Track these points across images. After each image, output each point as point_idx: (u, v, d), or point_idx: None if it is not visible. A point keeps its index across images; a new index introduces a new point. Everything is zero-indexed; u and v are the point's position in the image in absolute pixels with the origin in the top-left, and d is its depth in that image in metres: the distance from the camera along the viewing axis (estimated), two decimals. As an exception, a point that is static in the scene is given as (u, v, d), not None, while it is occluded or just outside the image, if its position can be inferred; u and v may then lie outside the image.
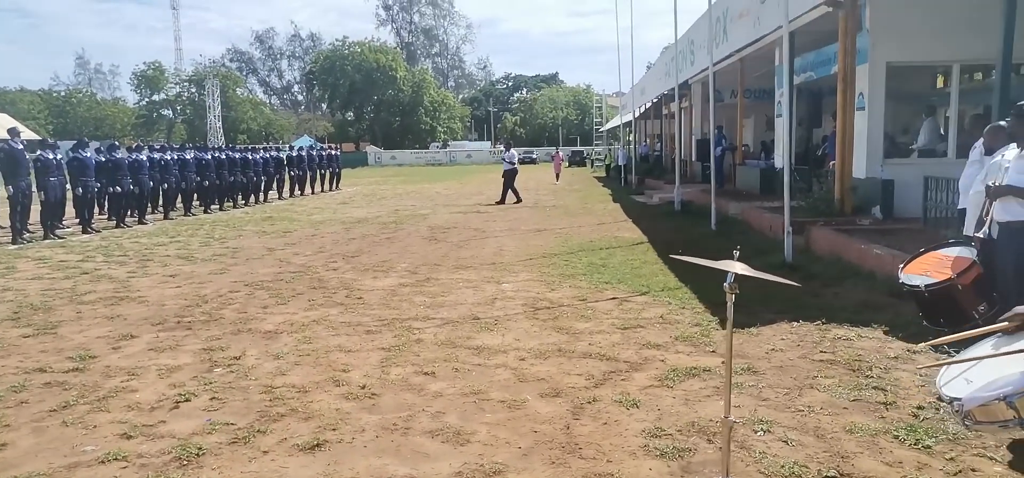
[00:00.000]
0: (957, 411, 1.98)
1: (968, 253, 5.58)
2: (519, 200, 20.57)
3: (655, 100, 30.53)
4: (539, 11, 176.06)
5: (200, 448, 3.93)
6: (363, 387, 4.86)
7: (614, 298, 7.61)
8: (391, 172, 51.52)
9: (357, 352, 5.74)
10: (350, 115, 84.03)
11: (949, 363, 2.14)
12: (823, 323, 6.22)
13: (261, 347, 5.96)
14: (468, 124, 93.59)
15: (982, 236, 5.27)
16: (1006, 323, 2.10)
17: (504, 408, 4.44)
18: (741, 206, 14.40)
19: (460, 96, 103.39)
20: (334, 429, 4.16)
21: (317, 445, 3.94)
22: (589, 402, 4.50)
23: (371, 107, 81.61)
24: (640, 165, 32.30)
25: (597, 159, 51.53)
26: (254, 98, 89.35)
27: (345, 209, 20.10)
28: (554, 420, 4.22)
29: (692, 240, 11.76)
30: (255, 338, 6.26)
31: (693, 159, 24.63)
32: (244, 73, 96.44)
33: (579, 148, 65.89)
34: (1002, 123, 5.51)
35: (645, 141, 41.28)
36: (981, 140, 5.99)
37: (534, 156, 66.62)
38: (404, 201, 22.76)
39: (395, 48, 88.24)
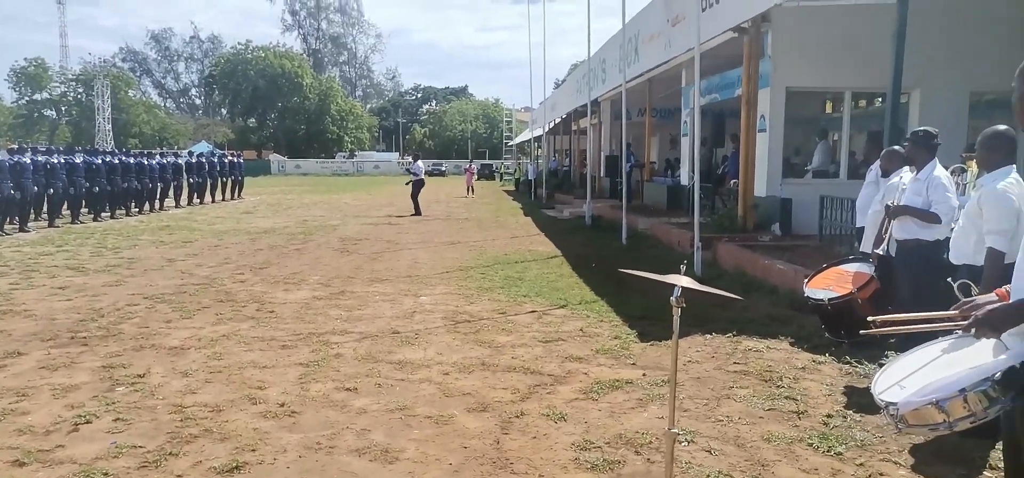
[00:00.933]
0: (892, 415, 2.08)
1: (867, 269, 5.94)
2: (417, 212, 20.28)
3: (565, 116, 31.08)
4: (449, 24, 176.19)
5: (106, 473, 3.65)
6: (282, 405, 4.66)
7: (533, 311, 7.65)
8: (296, 181, 50.12)
9: (273, 368, 5.52)
10: (252, 122, 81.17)
11: (885, 371, 2.25)
12: (734, 335, 6.46)
13: (167, 364, 5.62)
14: (376, 134, 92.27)
15: (881, 253, 5.62)
16: (959, 320, 2.22)
17: (432, 424, 4.36)
18: (650, 221, 14.83)
19: (368, 106, 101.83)
20: (253, 450, 3.96)
21: (236, 467, 3.74)
22: (517, 416, 4.49)
23: (275, 114, 79.20)
24: (550, 180, 32.76)
25: (506, 173, 51.96)
26: (148, 101, 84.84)
27: (249, 219, 19.36)
28: (483, 435, 4.18)
29: (605, 254, 11.99)
30: (160, 354, 5.90)
31: (602, 175, 25.20)
32: (137, 74, 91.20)
33: (488, 162, 66.23)
34: (897, 147, 5.90)
35: (554, 156, 41.94)
36: (877, 162, 6.40)
37: (443, 169, 66.45)
38: (312, 211, 22.16)
39: (301, 55, 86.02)
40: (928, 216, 4.87)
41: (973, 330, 1.98)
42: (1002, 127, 3.93)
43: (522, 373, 5.41)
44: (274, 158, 70.67)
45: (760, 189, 11.95)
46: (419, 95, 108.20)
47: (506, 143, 52.99)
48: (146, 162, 21.36)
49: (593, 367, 5.57)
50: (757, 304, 7.80)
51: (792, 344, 6.21)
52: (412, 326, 6.94)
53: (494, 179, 55.53)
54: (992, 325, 1.94)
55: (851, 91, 12.13)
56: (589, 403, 4.75)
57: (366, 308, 7.76)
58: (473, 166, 36.43)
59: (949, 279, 4.32)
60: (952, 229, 4.51)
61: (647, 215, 15.90)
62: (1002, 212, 3.77)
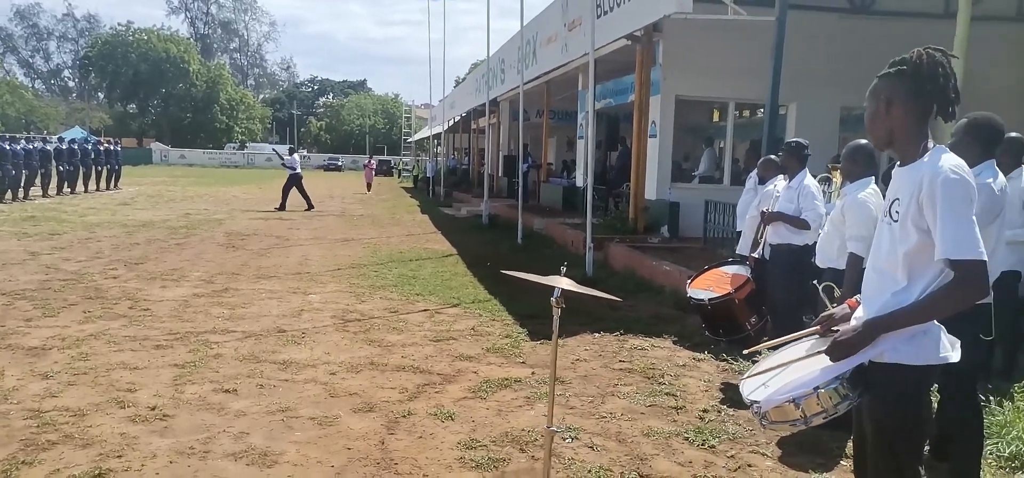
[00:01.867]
0: (755, 413, 2.19)
1: (744, 271, 6.25)
2: (282, 207, 19.43)
3: (464, 114, 31.08)
4: (347, 16, 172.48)
5: (-56, 487, 3.33)
6: (153, 408, 4.40)
7: (425, 310, 7.59)
8: (180, 172, 47.55)
9: (145, 369, 5.20)
10: (133, 108, 76.46)
11: (752, 373, 2.37)
12: (621, 334, 6.65)
13: (25, 365, 5.19)
14: (269, 126, 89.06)
15: (756, 256, 5.93)
16: (816, 328, 2.37)
17: (315, 425, 4.24)
18: (545, 221, 15.05)
19: (261, 96, 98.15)
20: (119, 456, 3.71)
21: (98, 475, 3.50)
22: (404, 416, 4.43)
23: (158, 101, 74.91)
24: (448, 178, 32.66)
25: (405, 170, 51.41)
26: (13, 81, 78.21)
27: (127, 211, 18.22)
28: (368, 436, 4.10)
29: (500, 253, 12.07)
30: (16, 355, 5.44)
31: (500, 174, 25.37)
32: (1, 52, 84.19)
33: (387, 158, 65.28)
34: (773, 156, 6.25)
35: (453, 154, 41.88)
36: (755, 170, 6.75)
37: (340, 164, 64.97)
38: (196, 204, 21.10)
39: (188, 39, 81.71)
40: (798, 222, 5.18)
41: (831, 357, 2.12)
42: (863, 141, 4.23)
43: (411, 372, 5.35)
44: (156, 147, 66.78)
45: (650, 193, 12.37)
46: (315, 87, 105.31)
47: (405, 140, 52.35)
48: (8, 147, 19.66)
49: (483, 366, 5.58)
50: (644, 304, 8.06)
51: (675, 342, 6.45)
52: (299, 325, 6.73)
53: (393, 176, 54.80)
54: (841, 355, 2.10)
55: (735, 102, 12.77)
56: (477, 402, 4.76)
57: (251, 306, 7.46)
58: (372, 162, 35.76)
59: (814, 281, 4.63)
60: (819, 234, 4.81)
61: (543, 215, 16.12)
62: (862, 219, 4.05)
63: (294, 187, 19.83)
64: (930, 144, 2.10)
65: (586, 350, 6.14)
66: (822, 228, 4.78)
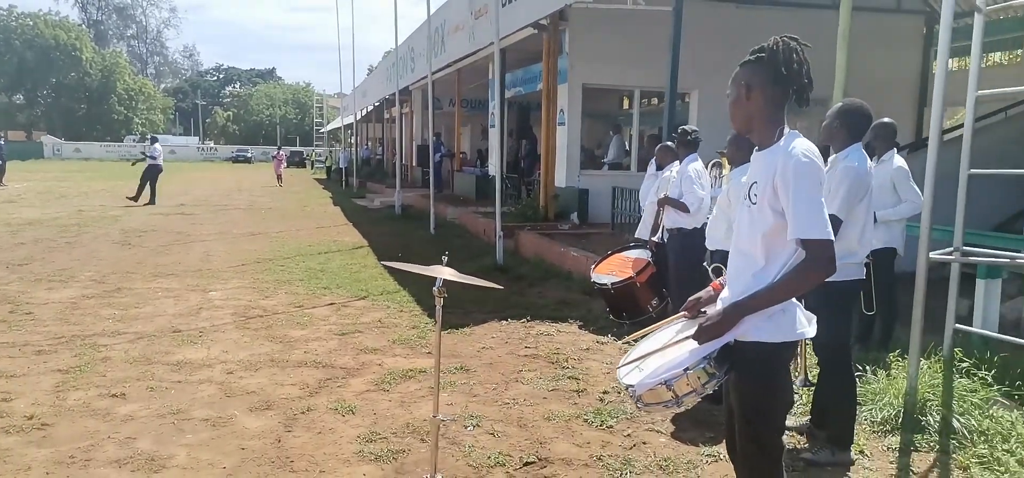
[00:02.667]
0: (631, 396, 2.26)
1: (645, 255, 6.43)
2: (152, 201, 18.68)
3: (377, 103, 30.63)
4: (252, 3, 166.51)
5: None
6: (30, 417, 4.15)
7: (332, 303, 7.46)
8: (75, 167, 44.84)
9: (23, 377, 4.90)
10: (19, 98, 71.42)
11: (627, 360, 2.44)
12: (528, 320, 6.73)
13: None
14: (172, 117, 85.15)
15: (657, 240, 6.11)
16: (684, 313, 2.46)
17: (207, 427, 4.10)
18: (458, 211, 15.04)
19: (162, 86, 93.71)
20: (-12, 471, 3.49)
21: (-37, 493, 3.28)
22: (303, 412, 4.35)
23: (48, 91, 70.21)
24: (362, 168, 32.15)
25: (318, 161, 50.24)
26: None
27: (12, 209, 17.04)
28: (264, 435, 4.01)
29: (412, 244, 11.98)
30: None
31: (414, 164, 25.16)
32: None
33: (299, 149, 63.59)
34: (669, 143, 6.43)
35: (367, 144, 41.21)
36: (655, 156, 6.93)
37: (249, 155, 62.86)
38: (91, 200, 19.95)
39: (80, 25, 76.93)
40: (680, 206, 5.38)
41: (697, 340, 2.20)
42: None
43: (313, 367, 5.25)
44: (48, 140, 62.67)
45: (560, 180, 12.54)
46: (221, 76, 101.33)
47: (318, 130, 51.16)
48: None
49: (388, 358, 5.54)
50: (552, 290, 8.19)
51: (580, 327, 6.58)
52: (197, 323, 6.48)
53: (305, 167, 53.47)
54: (707, 338, 2.18)
55: (640, 89, 13.08)
56: (380, 394, 4.72)
57: (145, 306, 7.13)
58: (282, 154, 34.71)
59: (705, 262, 4.81)
60: (709, 218, 5.00)
61: (457, 205, 16.10)
62: None
63: (149, 179, 18.87)
64: (785, 129, 2.21)
65: (493, 338, 6.19)
66: (711, 212, 4.97)
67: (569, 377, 5.13)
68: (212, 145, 76.19)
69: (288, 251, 11.17)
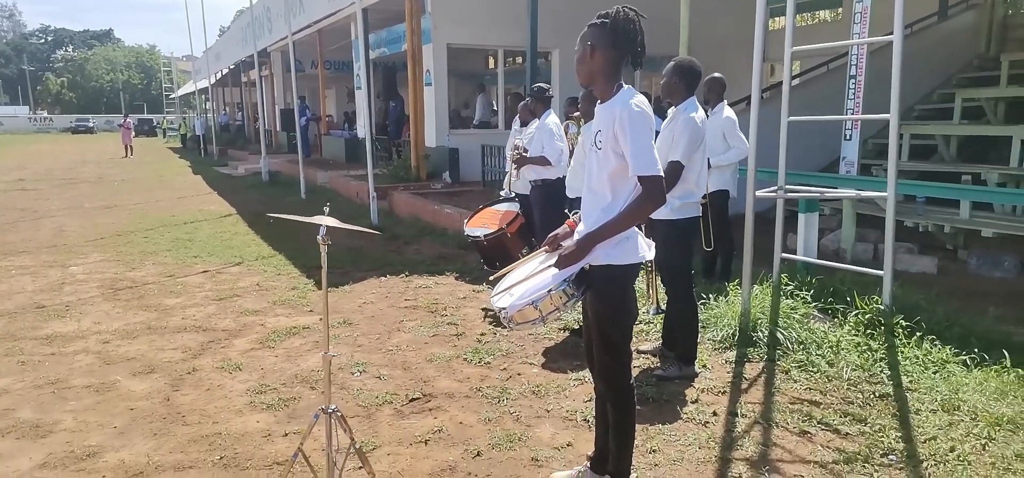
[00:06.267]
0: (503, 317, 2.62)
1: (513, 207, 6.84)
2: None
3: (232, 66, 29.25)
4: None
5: None
6: None
7: (206, 271, 7.38)
8: None
9: None
10: None
11: (498, 290, 2.81)
12: (406, 276, 7.00)
13: None
14: (-5, 84, 76.88)
15: (524, 193, 6.52)
16: (544, 248, 2.83)
17: (91, 393, 4.11)
18: (329, 175, 14.90)
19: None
20: None
21: None
22: (189, 373, 4.43)
23: None
24: (221, 135, 30.71)
25: (171, 129, 47.28)
26: None
27: None
28: (152, 395, 4.08)
29: (283, 209, 11.81)
30: None
31: (278, 129, 24.40)
32: None
33: (148, 116, 59.40)
34: (528, 101, 6.84)
35: (225, 109, 39.27)
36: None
37: (91, 125, 58.05)
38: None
39: None
40: (540, 161, 5.82)
41: (557, 266, 2.57)
42: None
43: (194, 332, 5.29)
44: None
45: (430, 140, 12.75)
46: (49, 38, 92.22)
47: (168, 96, 47.96)
48: None
49: (270, 318, 5.65)
50: (428, 247, 8.47)
51: (457, 278, 6.93)
52: (61, 298, 6.26)
53: (157, 136, 50.13)
54: (565, 264, 2.56)
55: (504, 49, 13.44)
56: (266, 351, 4.86)
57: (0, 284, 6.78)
58: (129, 122, 32.39)
59: (566, 210, 5.28)
60: (569, 169, 5.46)
61: (327, 169, 15.91)
62: None
63: None
64: (623, 85, 2.62)
65: (373, 294, 6.41)
66: (569, 163, 5.42)
67: (448, 323, 5.47)
68: (46, 115, 69.64)
69: (150, 222, 10.75)
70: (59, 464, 3.28)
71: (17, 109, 68.08)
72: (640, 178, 2.47)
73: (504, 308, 2.62)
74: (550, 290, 2.56)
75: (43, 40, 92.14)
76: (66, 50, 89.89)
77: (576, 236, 2.70)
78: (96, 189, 15.76)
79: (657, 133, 4.34)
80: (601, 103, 2.64)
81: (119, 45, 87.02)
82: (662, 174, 2.49)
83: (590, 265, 2.61)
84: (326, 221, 2.74)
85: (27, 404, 3.96)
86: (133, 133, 31.09)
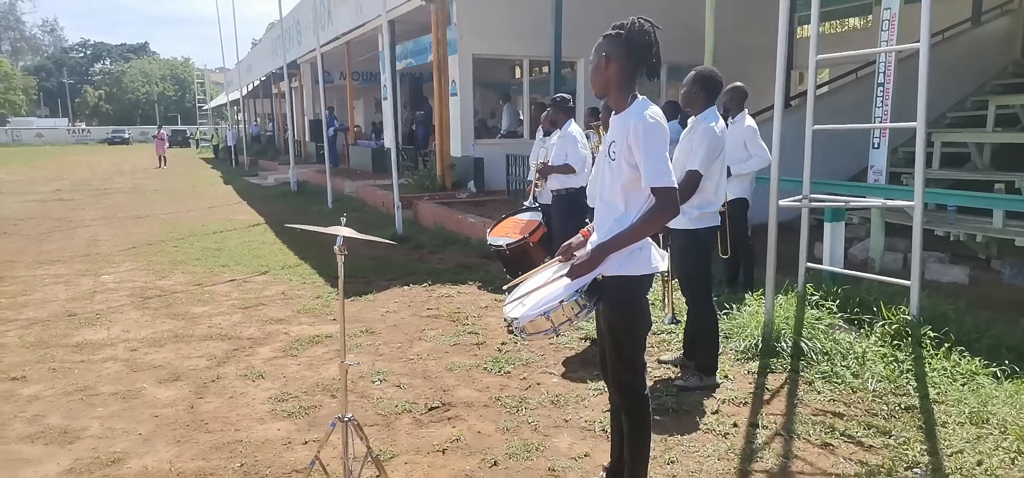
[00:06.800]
0: (516, 328, 2.62)
1: (537, 216, 6.85)
2: None
3: (264, 78, 29.72)
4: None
5: None
6: (-73, 406, 4.12)
7: (232, 280, 7.49)
8: (-74, 155, 41.11)
9: (-89, 369, 4.78)
10: None
11: (511, 299, 2.81)
12: (429, 284, 7.03)
13: None
14: (36, 97, 78.88)
15: (529, 203, 6.53)
16: (558, 257, 2.83)
17: (118, 400, 4.20)
18: (356, 184, 15.05)
19: (21, 64, 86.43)
20: None
21: None
22: (213, 381, 4.50)
23: None
24: (252, 145, 31.19)
25: (203, 139, 48.12)
26: None
27: None
28: (176, 403, 4.15)
29: (309, 218, 11.96)
30: None
31: (307, 139, 24.71)
32: None
33: (181, 127, 60.55)
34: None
35: (256, 120, 39.88)
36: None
37: (127, 136, 59.33)
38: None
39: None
40: (565, 169, 5.82)
41: (570, 277, 2.57)
42: None
43: (219, 340, 5.37)
44: None
45: (456, 150, 12.82)
46: (88, 52, 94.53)
47: (201, 107, 48.84)
48: None
49: (294, 327, 5.71)
50: (452, 255, 8.51)
51: (479, 287, 6.95)
52: (92, 307, 6.40)
53: (190, 147, 51.05)
54: (578, 274, 2.55)
55: (529, 59, 13.48)
56: (289, 359, 4.92)
57: (34, 293, 6.94)
58: (163, 133, 33.05)
59: (587, 218, 5.26)
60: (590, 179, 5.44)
61: (354, 179, 16.09)
62: None
63: None
64: (637, 96, 2.61)
65: (396, 302, 6.46)
66: (590, 171, 5.41)
67: (470, 333, 5.49)
68: (84, 127, 71.35)
69: (181, 232, 10.94)
70: (85, 470, 3.34)
71: (57, 121, 69.86)
72: (653, 189, 2.46)
73: (516, 318, 2.62)
74: (562, 301, 2.55)
75: (82, 54, 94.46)
76: (104, 63, 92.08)
77: (589, 245, 2.70)
78: (130, 199, 16.10)
79: (676, 143, 4.33)
80: (615, 114, 2.64)
81: (154, 58, 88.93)
82: (676, 186, 2.48)
83: (603, 275, 2.60)
84: (342, 231, 2.77)
85: (57, 410, 4.05)
86: (167, 144, 31.75)
